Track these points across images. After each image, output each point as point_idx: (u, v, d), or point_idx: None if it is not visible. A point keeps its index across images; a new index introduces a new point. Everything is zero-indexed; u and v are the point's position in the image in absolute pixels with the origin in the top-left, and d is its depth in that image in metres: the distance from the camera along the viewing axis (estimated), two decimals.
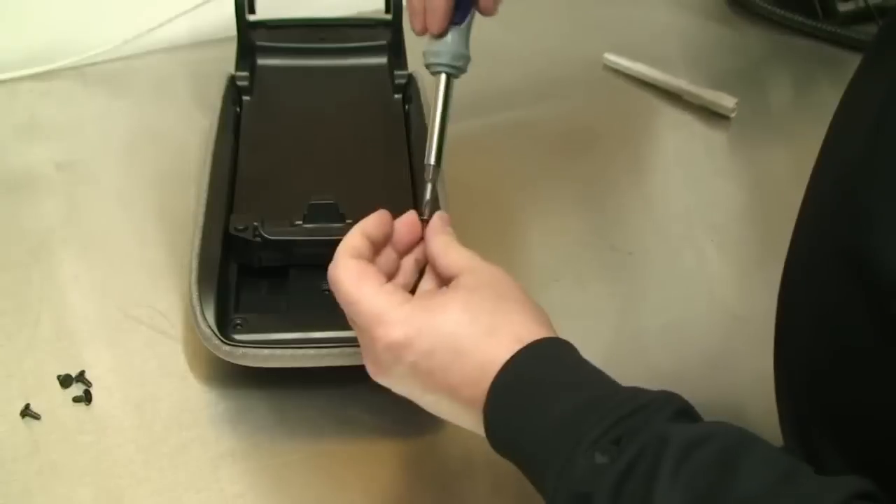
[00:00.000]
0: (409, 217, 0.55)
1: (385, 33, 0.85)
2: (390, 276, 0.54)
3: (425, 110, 0.78)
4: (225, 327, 0.62)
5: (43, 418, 0.62)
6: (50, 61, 0.94)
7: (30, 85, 0.93)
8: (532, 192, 0.84)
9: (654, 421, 0.41)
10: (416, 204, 0.57)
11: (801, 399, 0.51)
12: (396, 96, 0.83)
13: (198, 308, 0.62)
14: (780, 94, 1.03)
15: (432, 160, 0.58)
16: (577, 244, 0.80)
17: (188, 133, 0.85)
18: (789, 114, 1.00)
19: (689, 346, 0.71)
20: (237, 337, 0.61)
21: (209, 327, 0.61)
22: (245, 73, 0.83)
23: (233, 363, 0.61)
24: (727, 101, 0.94)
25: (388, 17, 0.85)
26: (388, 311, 0.48)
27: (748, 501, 0.37)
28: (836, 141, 0.50)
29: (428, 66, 0.59)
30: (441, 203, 0.69)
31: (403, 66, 0.84)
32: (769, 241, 0.67)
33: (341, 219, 0.64)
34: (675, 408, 0.43)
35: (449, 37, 0.57)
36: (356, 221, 0.55)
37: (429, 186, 0.58)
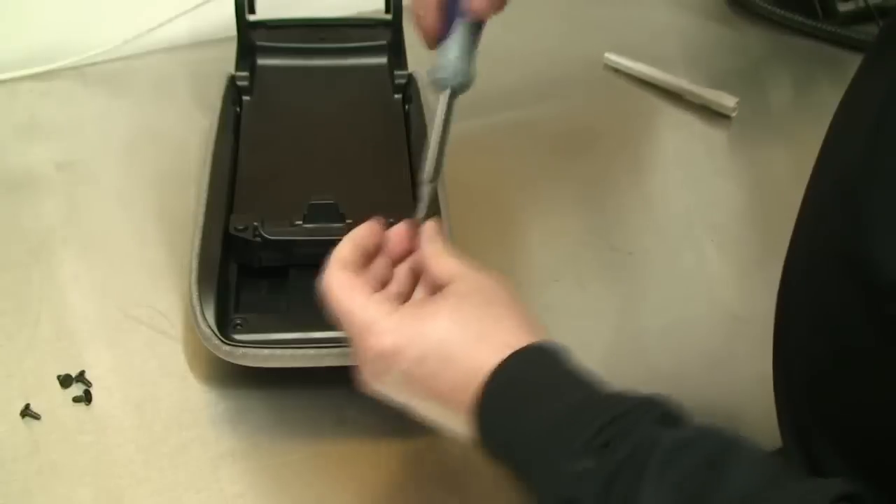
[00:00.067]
0: (402, 226, 0.56)
1: (385, 33, 0.85)
2: (384, 285, 0.54)
3: (425, 110, 0.78)
4: (225, 327, 0.62)
5: (43, 418, 0.62)
6: (50, 61, 0.94)
7: (30, 85, 0.93)
8: (532, 192, 0.84)
9: (641, 425, 0.42)
10: (417, 204, 0.57)
11: (801, 399, 0.51)
12: (396, 96, 0.83)
13: (198, 308, 0.62)
14: (780, 94, 1.03)
15: (430, 177, 0.57)
16: (577, 244, 0.80)
17: (188, 133, 0.85)
18: (789, 114, 1.00)
19: (689, 346, 0.71)
20: (237, 337, 0.62)
21: (209, 327, 0.61)
22: (245, 73, 0.83)
23: (233, 363, 0.61)
24: (728, 101, 0.94)
25: (388, 17, 0.85)
26: (379, 321, 0.48)
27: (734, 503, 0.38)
28: (836, 141, 0.50)
29: (432, 83, 0.58)
30: (441, 203, 0.69)
31: (403, 66, 0.84)
32: (769, 241, 0.67)
33: (341, 219, 0.64)
34: (662, 411, 0.43)
35: (452, 53, 0.56)
36: (356, 221, 0.55)
37: (424, 202, 0.57)
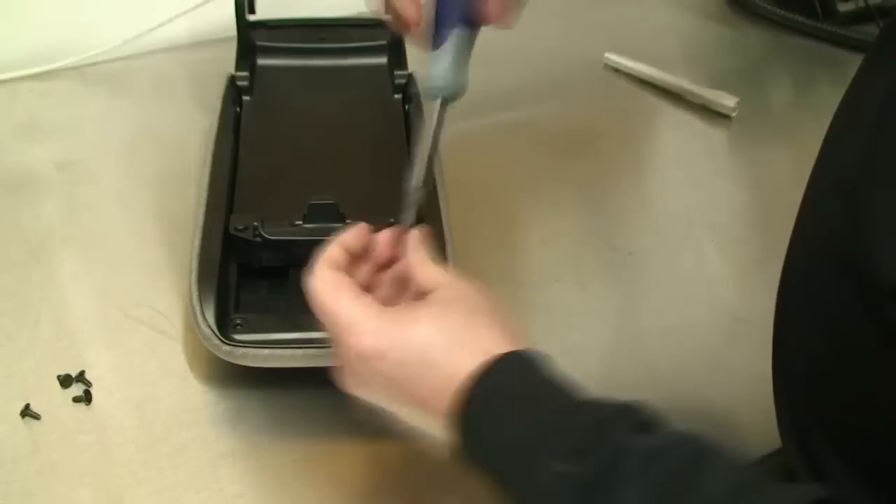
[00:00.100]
0: (388, 233, 0.56)
1: (385, 33, 0.85)
2: (369, 290, 0.54)
3: (425, 110, 0.78)
4: (225, 327, 0.62)
5: (43, 418, 0.62)
6: (50, 61, 0.94)
7: (30, 85, 0.93)
8: (532, 192, 0.84)
9: (616, 432, 0.42)
10: (403, 212, 0.57)
11: (800, 400, 0.51)
12: (396, 96, 0.83)
13: (198, 308, 0.62)
14: (780, 94, 1.03)
15: (418, 183, 0.56)
16: (577, 244, 0.80)
17: (188, 133, 0.85)
18: (789, 114, 1.00)
19: (689, 346, 0.71)
20: (237, 337, 0.62)
21: (209, 327, 0.61)
22: (245, 73, 0.83)
23: (233, 363, 0.61)
24: (728, 101, 0.94)
25: (388, 17, 0.85)
26: (362, 322, 0.49)
27: None
28: (836, 141, 0.50)
29: (423, 91, 0.58)
30: (441, 203, 0.69)
31: (403, 66, 0.84)
32: (769, 241, 0.67)
33: (341, 219, 0.64)
34: (639, 418, 0.43)
35: (445, 61, 0.56)
36: (356, 221, 0.55)
37: (411, 210, 0.56)
